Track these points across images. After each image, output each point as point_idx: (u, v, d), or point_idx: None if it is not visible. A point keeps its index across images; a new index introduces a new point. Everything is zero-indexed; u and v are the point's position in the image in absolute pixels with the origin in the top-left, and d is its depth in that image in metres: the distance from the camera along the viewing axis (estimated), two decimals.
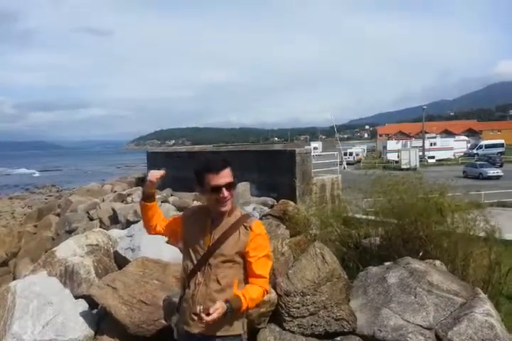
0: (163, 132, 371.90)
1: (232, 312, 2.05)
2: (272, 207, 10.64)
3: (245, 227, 2.15)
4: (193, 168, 2.17)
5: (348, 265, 5.56)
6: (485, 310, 3.30)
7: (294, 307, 3.25)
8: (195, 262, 2.17)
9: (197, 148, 24.93)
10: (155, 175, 2.23)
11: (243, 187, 11.47)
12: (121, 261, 5.29)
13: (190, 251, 2.21)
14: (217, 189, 2.07)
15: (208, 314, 1.95)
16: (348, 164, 43.08)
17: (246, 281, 2.19)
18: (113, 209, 11.81)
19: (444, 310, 3.45)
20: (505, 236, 6.40)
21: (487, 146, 54.01)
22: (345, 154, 48.17)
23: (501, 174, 29.77)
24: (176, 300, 3.23)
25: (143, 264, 4.40)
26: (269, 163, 12.51)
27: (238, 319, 2.17)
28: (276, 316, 3.31)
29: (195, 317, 2.01)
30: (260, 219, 8.46)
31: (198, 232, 2.20)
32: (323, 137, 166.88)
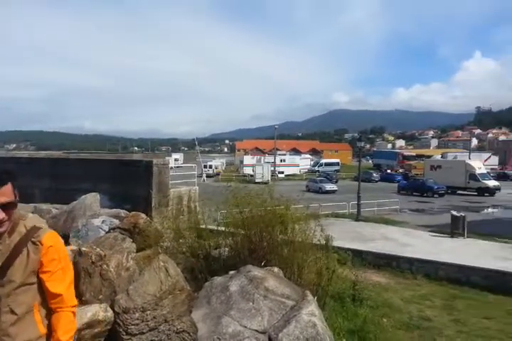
0: (0, 134, 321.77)
1: None
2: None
3: (34, 243, 1.88)
4: None
5: (197, 276, 5.63)
6: (310, 311, 3.70)
7: (132, 324, 3.12)
8: None
9: (43, 154, 22.24)
10: None
11: (92, 198, 10.64)
12: None
13: None
14: None
15: None
16: (207, 176, 43.96)
17: (46, 301, 1.94)
18: None
19: (277, 314, 3.75)
20: (336, 243, 7.36)
21: (326, 164, 61.85)
22: (205, 166, 49.10)
23: (336, 189, 34.51)
24: None
25: None
26: (124, 173, 11.90)
27: None
28: (113, 335, 3.14)
29: None
30: (108, 232, 7.95)
31: None
32: (185, 149, 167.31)
